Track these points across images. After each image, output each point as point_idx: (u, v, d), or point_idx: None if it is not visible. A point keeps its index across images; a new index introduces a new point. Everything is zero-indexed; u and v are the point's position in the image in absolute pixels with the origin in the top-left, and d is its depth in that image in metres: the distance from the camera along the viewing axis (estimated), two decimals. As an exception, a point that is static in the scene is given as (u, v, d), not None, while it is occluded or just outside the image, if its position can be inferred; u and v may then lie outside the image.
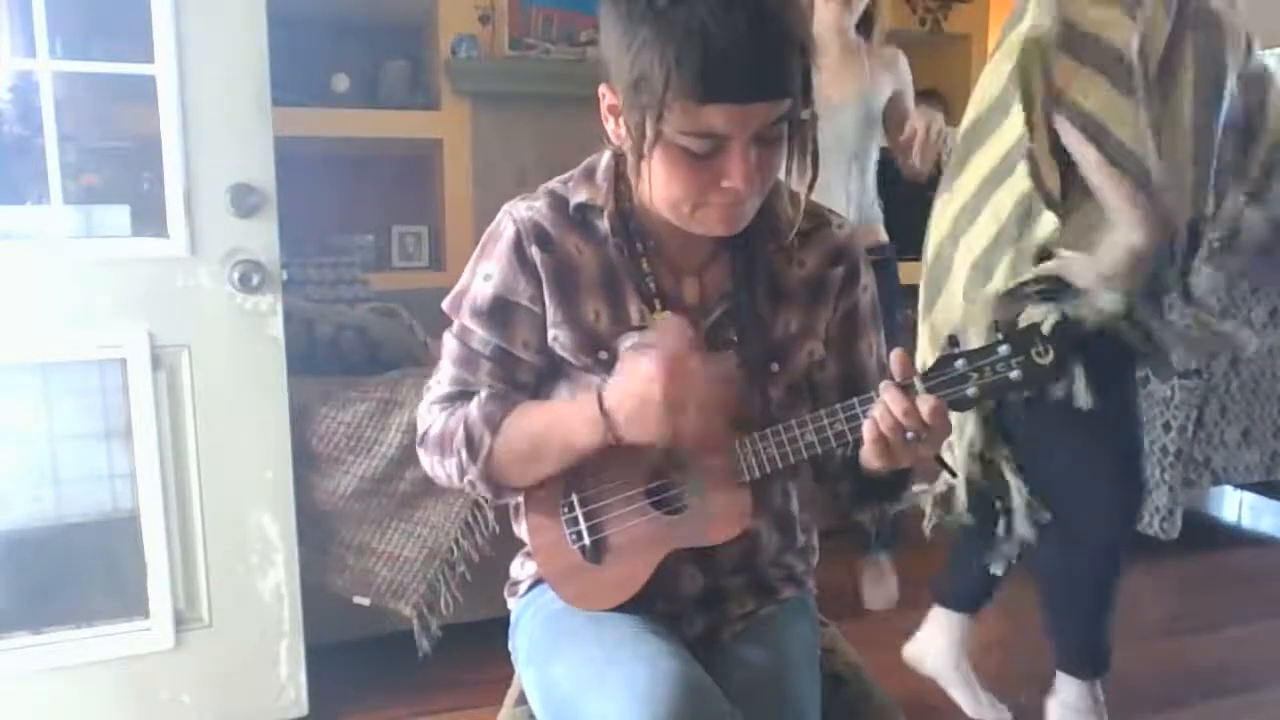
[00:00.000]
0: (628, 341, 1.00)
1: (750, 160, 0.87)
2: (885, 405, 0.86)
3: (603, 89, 0.93)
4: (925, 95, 5.64)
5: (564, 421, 0.97)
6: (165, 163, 1.71)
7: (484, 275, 1.02)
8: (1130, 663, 2.30)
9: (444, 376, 1.05)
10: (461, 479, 1.02)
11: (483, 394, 1.01)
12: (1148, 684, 2.20)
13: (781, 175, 0.99)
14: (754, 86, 0.84)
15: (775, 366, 1.01)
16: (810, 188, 0.97)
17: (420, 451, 1.07)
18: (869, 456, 0.90)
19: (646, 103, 0.85)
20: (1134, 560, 2.88)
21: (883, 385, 0.87)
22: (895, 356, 0.87)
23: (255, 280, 1.76)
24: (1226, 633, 2.46)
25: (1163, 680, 2.21)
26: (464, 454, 1.00)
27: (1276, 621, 2.52)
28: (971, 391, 0.85)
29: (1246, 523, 3.39)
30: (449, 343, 1.05)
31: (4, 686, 1.74)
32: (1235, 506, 3.48)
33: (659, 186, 0.91)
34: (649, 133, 0.86)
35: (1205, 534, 3.22)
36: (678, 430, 0.89)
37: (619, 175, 1.01)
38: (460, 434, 1.00)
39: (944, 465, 1.01)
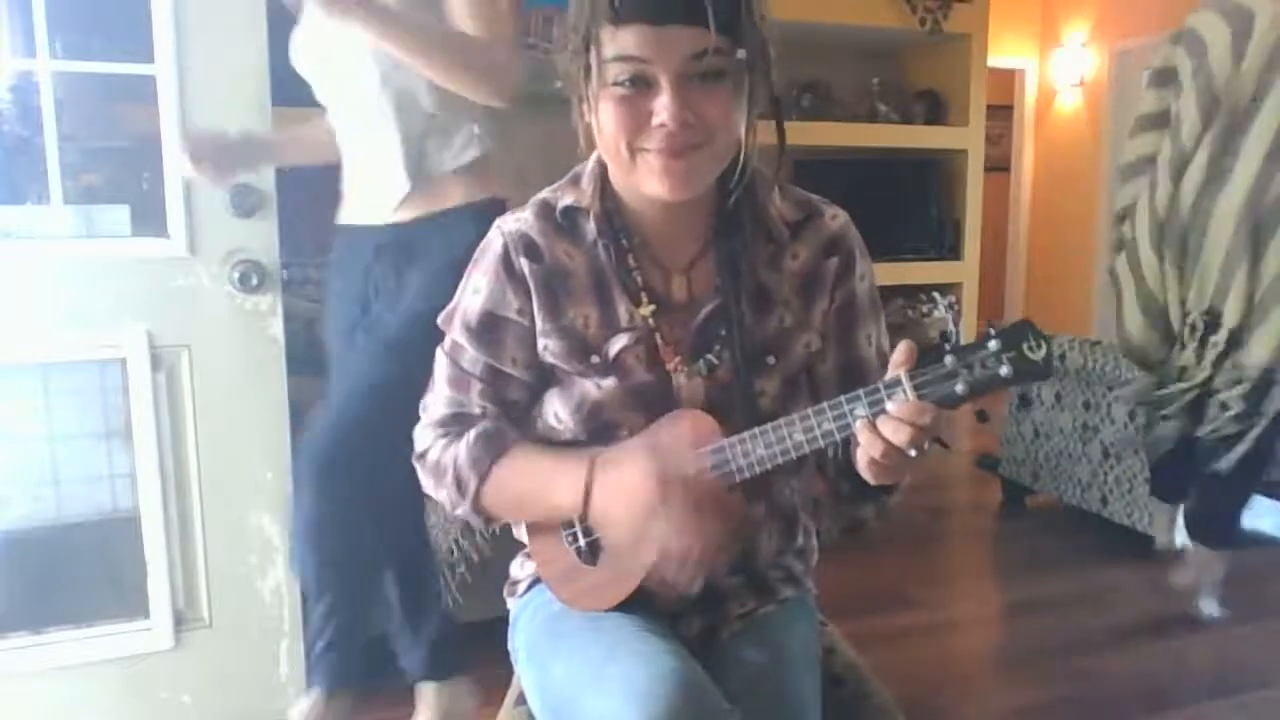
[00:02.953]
0: (617, 344, 1.00)
1: (678, 97, 0.88)
2: (882, 438, 0.85)
3: (563, 66, 0.95)
4: (923, 95, 5.64)
5: (549, 484, 0.99)
6: (165, 163, 1.71)
7: (473, 290, 1.04)
8: (1130, 662, 2.31)
9: (439, 397, 1.06)
10: (453, 511, 1.06)
11: (471, 434, 1.02)
12: (1148, 684, 2.20)
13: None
14: (665, 7, 0.85)
15: (771, 359, 1.01)
16: (781, 148, 0.97)
17: (418, 468, 1.08)
18: (869, 477, 0.90)
19: (578, 41, 0.89)
20: (1134, 560, 2.90)
21: (859, 426, 0.86)
22: (902, 349, 0.86)
23: (255, 280, 1.76)
24: (1226, 633, 2.46)
25: (1163, 680, 2.21)
26: (454, 492, 1.03)
27: (1276, 621, 2.52)
28: (961, 388, 0.83)
29: (1246, 523, 3.39)
30: (441, 361, 1.06)
31: (4, 686, 1.74)
32: (1235, 506, 3.48)
33: (604, 136, 0.92)
34: (582, 70, 0.89)
35: (1205, 534, 3.22)
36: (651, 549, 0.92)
37: (603, 176, 1.01)
38: (450, 474, 1.03)
39: (938, 441, 1.00)
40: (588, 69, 0.89)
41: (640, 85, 0.88)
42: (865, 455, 0.87)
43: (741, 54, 0.88)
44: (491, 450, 1.01)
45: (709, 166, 0.94)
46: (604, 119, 0.91)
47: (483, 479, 1.01)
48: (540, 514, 1.04)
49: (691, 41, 0.86)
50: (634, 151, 0.91)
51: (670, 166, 0.91)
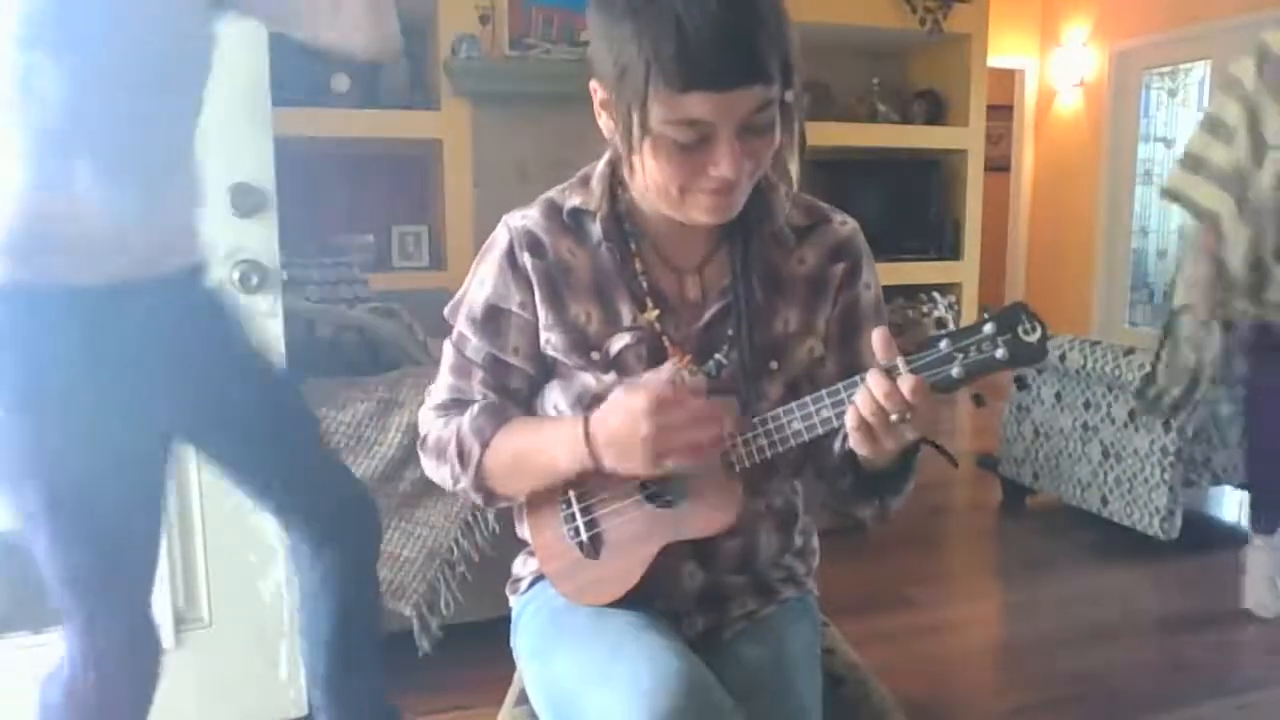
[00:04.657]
0: (619, 343, 1.00)
1: (737, 148, 0.88)
2: (867, 388, 0.86)
3: (593, 85, 0.94)
4: (923, 95, 5.64)
5: (549, 445, 0.98)
6: (165, 163, 1.71)
7: (479, 283, 1.06)
8: (1130, 663, 2.31)
9: (442, 384, 1.09)
10: (455, 486, 1.06)
11: (475, 407, 1.04)
12: (1148, 684, 2.20)
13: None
14: (731, 72, 0.84)
15: (774, 364, 1.01)
16: (801, 155, 0.97)
17: (421, 454, 1.10)
18: (853, 442, 0.89)
19: (631, 96, 0.87)
20: (1134, 560, 2.90)
21: (869, 370, 0.87)
22: (877, 336, 0.86)
23: (255, 280, 1.76)
24: (1226, 633, 2.46)
25: (1163, 680, 2.21)
26: (456, 463, 1.03)
27: (1276, 621, 2.52)
28: (956, 372, 0.84)
29: (1246, 523, 3.39)
30: (446, 350, 1.09)
31: (4, 686, 1.74)
32: (1235, 506, 3.48)
33: (650, 175, 0.92)
34: (635, 125, 0.87)
35: (1205, 534, 3.22)
36: (662, 466, 0.89)
37: (613, 179, 1.02)
38: (453, 445, 1.03)
39: (941, 450, 1.00)
40: (642, 123, 0.87)
41: (697, 138, 0.88)
42: (854, 415, 0.86)
43: (790, 96, 0.89)
44: (495, 419, 1.02)
45: (748, 189, 0.95)
46: (656, 166, 0.90)
47: (485, 446, 1.01)
48: (540, 474, 1.00)
49: (753, 99, 0.86)
50: (684, 192, 0.92)
51: (719, 203, 0.92)
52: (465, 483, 1.04)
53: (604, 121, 0.95)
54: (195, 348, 1.34)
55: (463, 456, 1.02)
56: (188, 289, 1.36)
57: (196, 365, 1.34)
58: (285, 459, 1.50)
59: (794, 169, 1.01)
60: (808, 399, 0.91)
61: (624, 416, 0.89)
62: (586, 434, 0.93)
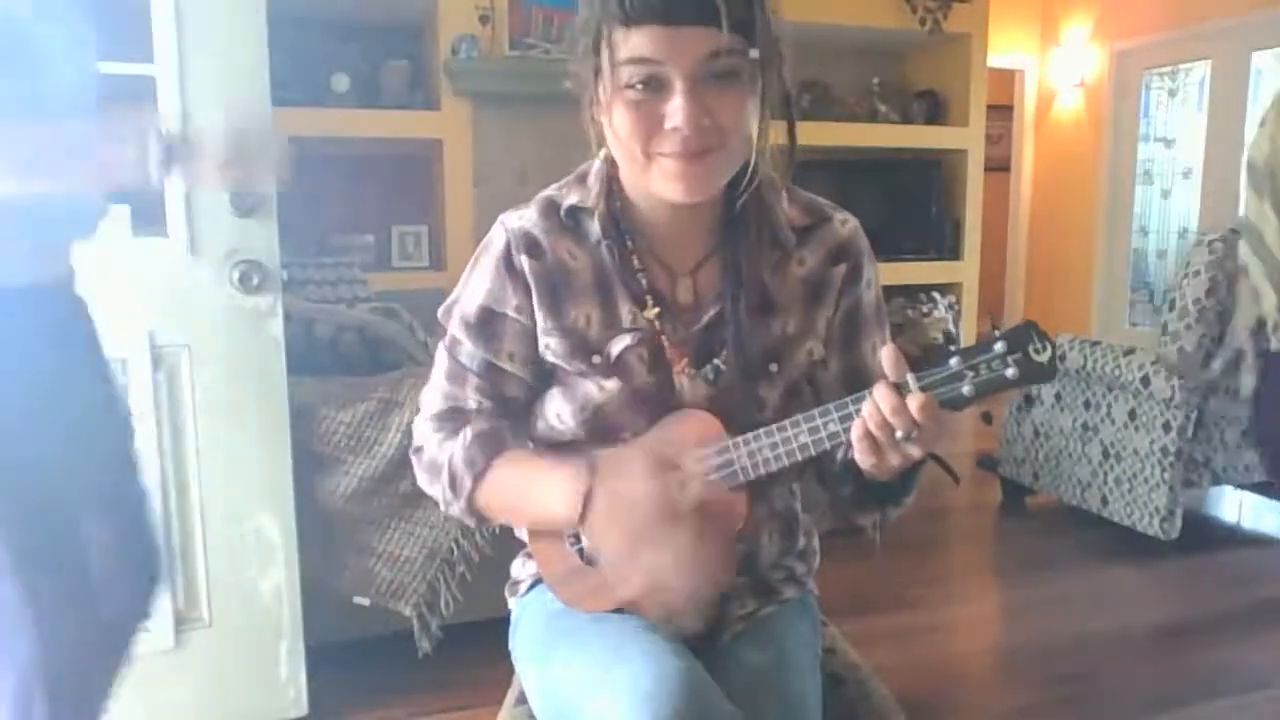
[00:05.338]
0: (619, 344, 0.99)
1: (693, 100, 0.86)
2: (874, 403, 0.85)
3: (572, 67, 0.94)
4: (923, 95, 5.64)
5: (545, 492, 0.96)
6: (165, 163, 1.71)
7: (473, 285, 1.03)
8: (1130, 663, 2.31)
9: (436, 392, 1.06)
10: (447, 510, 1.05)
11: (468, 432, 1.02)
12: (1148, 684, 2.20)
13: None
14: (679, 8, 0.84)
15: (774, 367, 1.00)
16: (792, 148, 0.96)
17: (414, 461, 1.08)
18: (856, 454, 0.88)
19: (589, 41, 0.88)
20: (1134, 560, 2.91)
21: (876, 384, 0.86)
22: (887, 354, 0.85)
23: (255, 280, 1.76)
24: (1226, 633, 2.46)
25: (1163, 680, 2.21)
26: (449, 490, 1.02)
27: (1276, 621, 2.52)
28: (967, 390, 0.84)
29: (1246, 523, 3.40)
30: (440, 355, 1.06)
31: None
32: (1235, 506, 3.49)
33: (618, 142, 0.91)
34: (592, 71, 0.88)
35: (1205, 534, 3.22)
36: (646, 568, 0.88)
37: (610, 177, 1.01)
38: (445, 473, 1.02)
39: (944, 466, 1.00)
40: (598, 71, 0.88)
41: (653, 88, 0.87)
42: (860, 428, 0.86)
43: (754, 53, 0.87)
44: (488, 451, 1.01)
45: (724, 169, 0.93)
46: (617, 123, 0.89)
47: (477, 480, 1.01)
48: (534, 522, 1.03)
49: (705, 42, 0.85)
50: (649, 155, 0.90)
51: (685, 170, 0.90)
52: (457, 510, 1.03)
53: (586, 109, 0.94)
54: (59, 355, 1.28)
55: (455, 486, 1.02)
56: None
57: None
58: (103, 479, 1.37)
59: (750, 128, 0.95)
60: (815, 412, 0.90)
61: (627, 497, 0.88)
62: (587, 497, 0.91)
